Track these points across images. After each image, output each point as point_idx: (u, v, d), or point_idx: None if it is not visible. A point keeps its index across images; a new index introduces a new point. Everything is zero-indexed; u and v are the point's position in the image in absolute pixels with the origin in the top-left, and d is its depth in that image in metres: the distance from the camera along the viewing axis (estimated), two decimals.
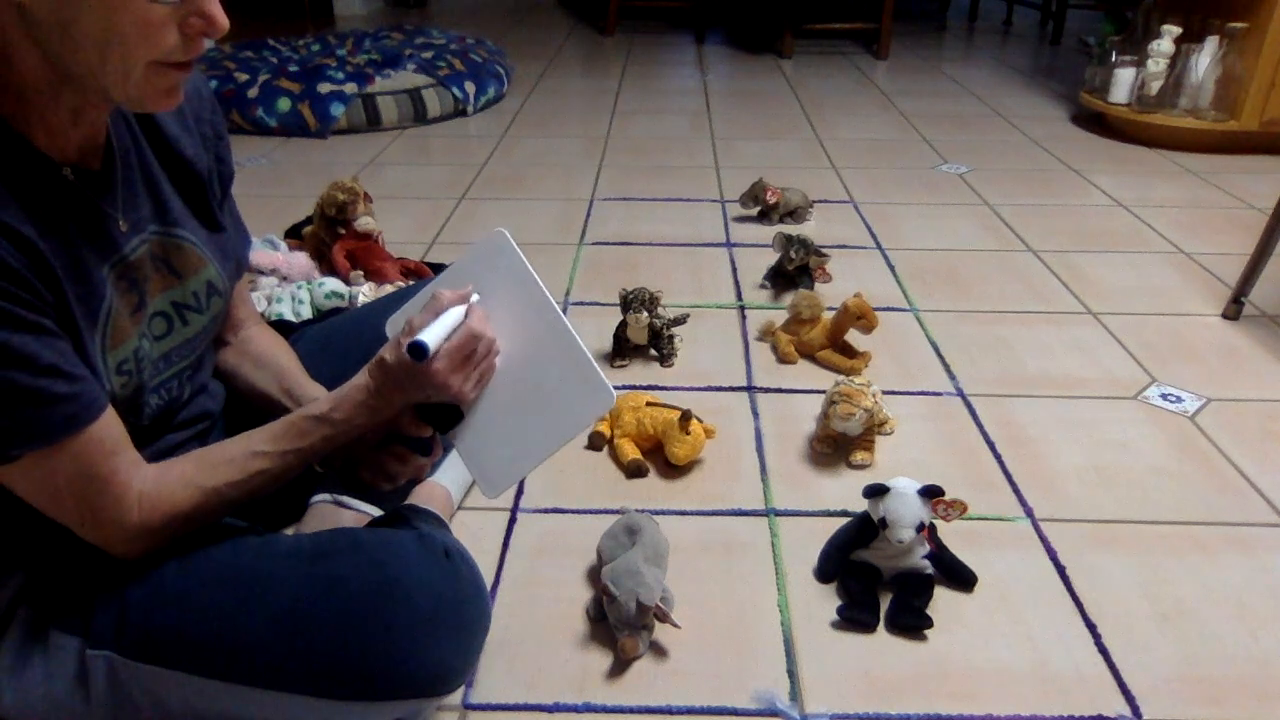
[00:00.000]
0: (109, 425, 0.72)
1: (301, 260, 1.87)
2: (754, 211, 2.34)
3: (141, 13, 0.63)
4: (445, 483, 1.23)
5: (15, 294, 0.64)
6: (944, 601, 1.14)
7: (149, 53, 0.65)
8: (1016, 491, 1.35)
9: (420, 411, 0.86)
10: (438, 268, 1.92)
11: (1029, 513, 1.30)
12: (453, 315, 0.82)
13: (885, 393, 1.50)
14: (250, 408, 1.00)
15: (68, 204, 0.71)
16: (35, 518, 0.73)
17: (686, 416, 1.35)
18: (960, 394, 1.60)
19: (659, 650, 1.06)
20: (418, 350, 0.78)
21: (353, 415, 0.82)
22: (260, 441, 0.80)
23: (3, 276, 0.63)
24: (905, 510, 1.11)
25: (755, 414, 1.53)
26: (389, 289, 1.82)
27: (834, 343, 1.67)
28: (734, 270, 2.07)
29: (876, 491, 1.14)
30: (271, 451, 0.80)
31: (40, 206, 0.68)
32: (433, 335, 0.79)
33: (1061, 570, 1.19)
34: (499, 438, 0.87)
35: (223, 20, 0.67)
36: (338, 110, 2.99)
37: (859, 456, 1.39)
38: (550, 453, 0.88)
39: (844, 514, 1.28)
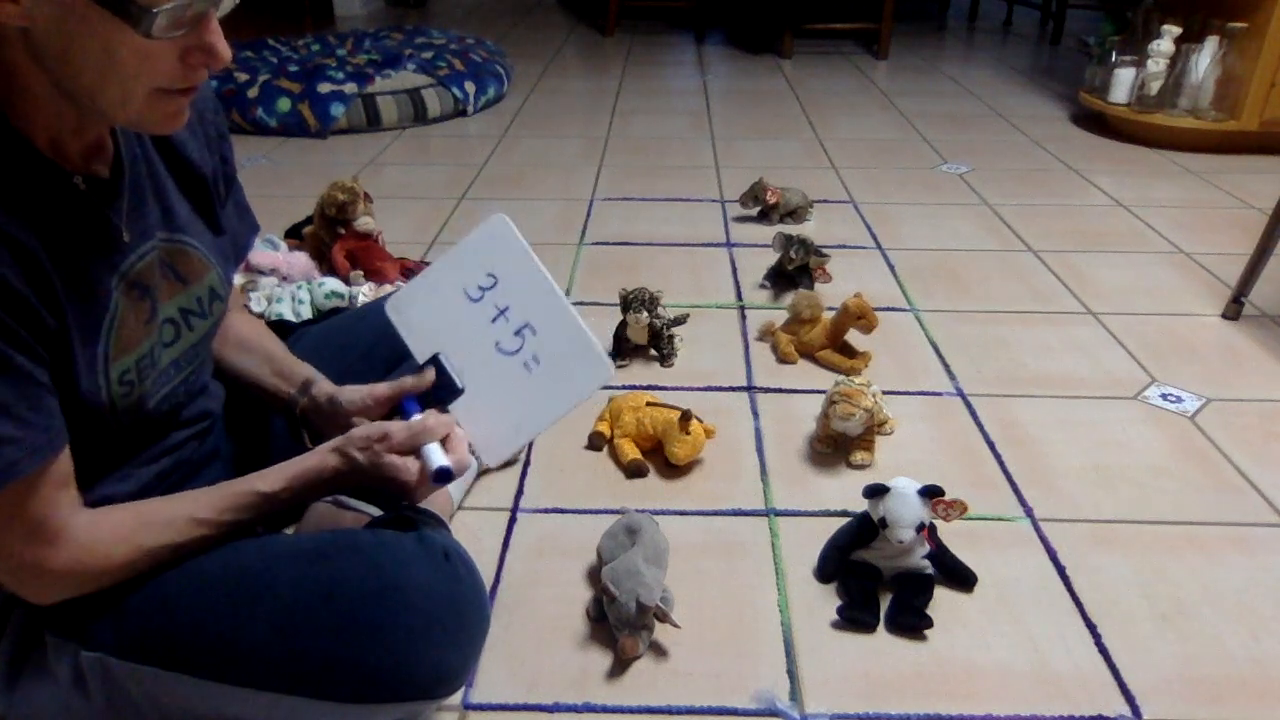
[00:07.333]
0: (55, 469, 0.69)
1: (301, 260, 1.87)
2: (754, 211, 2.34)
3: (140, 45, 0.62)
4: None
5: None
6: (944, 601, 1.14)
7: (148, 81, 0.65)
8: (1016, 491, 1.35)
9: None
10: None
11: (1029, 513, 1.30)
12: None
13: (885, 393, 1.50)
14: (244, 399, 0.99)
15: (77, 214, 0.71)
16: None
17: (686, 416, 1.35)
18: (960, 394, 1.60)
19: (659, 650, 1.06)
20: (445, 475, 0.82)
21: (303, 495, 0.82)
22: (203, 508, 0.79)
23: None
24: (905, 510, 1.11)
25: (755, 414, 1.53)
26: (389, 289, 1.82)
27: (834, 343, 1.67)
28: (734, 270, 2.07)
29: (876, 491, 1.14)
30: (213, 520, 0.78)
31: (48, 216, 0.68)
32: (445, 458, 0.83)
33: (1061, 570, 1.19)
34: (499, 409, 0.89)
35: (225, 53, 0.66)
36: (338, 110, 2.99)
37: (859, 456, 1.39)
38: (549, 424, 0.91)
39: (844, 514, 1.27)
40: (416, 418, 0.86)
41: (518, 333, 0.89)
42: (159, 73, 0.65)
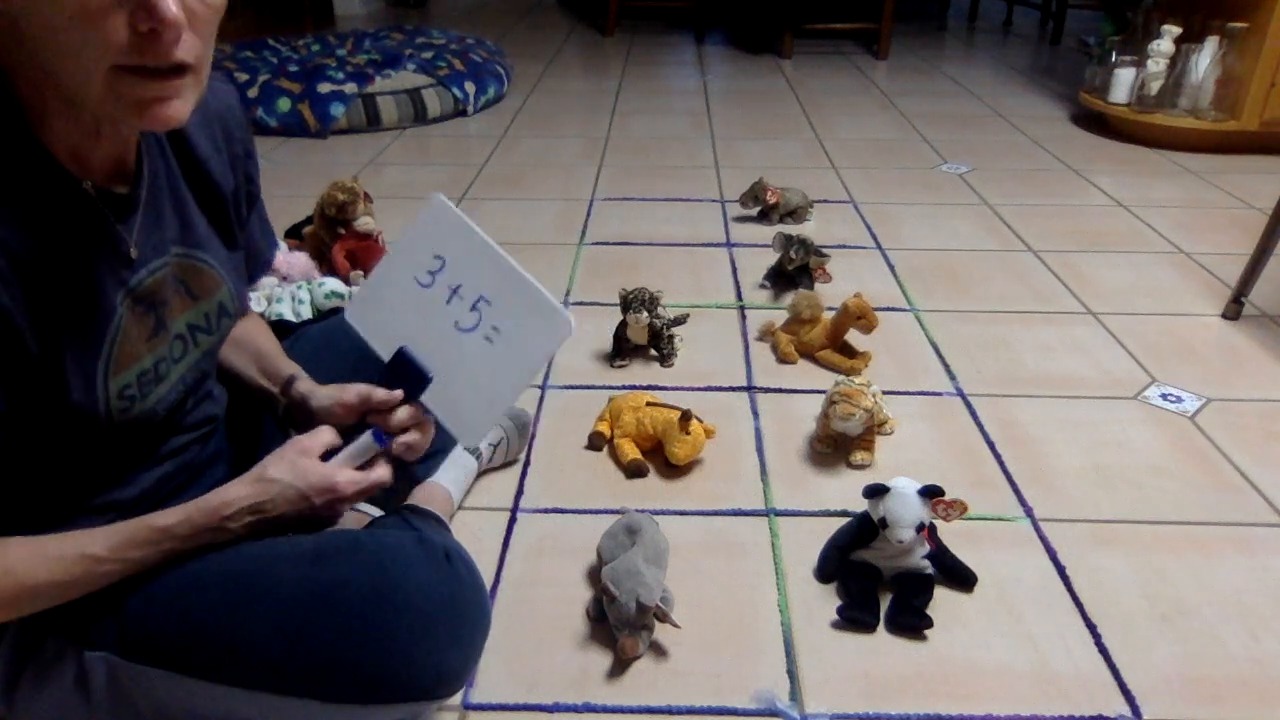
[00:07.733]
0: None
1: (301, 260, 1.87)
2: (754, 211, 2.34)
3: (75, 1, 0.58)
4: (445, 483, 1.23)
5: None
6: (944, 601, 1.14)
7: (101, 54, 0.60)
8: (1016, 491, 1.35)
9: (390, 379, 0.89)
10: None
11: (1029, 513, 1.30)
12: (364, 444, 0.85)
13: (885, 393, 1.50)
14: (240, 400, 0.99)
15: (84, 223, 0.70)
16: (32, 524, 0.73)
17: (686, 416, 1.35)
18: (960, 394, 1.60)
19: (659, 650, 1.06)
20: (381, 436, 0.80)
21: (207, 533, 0.77)
22: (95, 544, 0.74)
23: None
24: (905, 510, 1.11)
25: (755, 414, 1.53)
26: None
27: (834, 343, 1.67)
28: (734, 270, 2.07)
29: (876, 491, 1.14)
30: (103, 557, 0.74)
31: (56, 227, 0.67)
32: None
33: (1061, 570, 1.19)
34: (469, 388, 0.89)
35: (166, 12, 0.59)
36: (338, 110, 2.99)
37: (859, 456, 1.39)
38: (520, 390, 0.90)
39: (844, 514, 1.27)
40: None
41: (474, 307, 0.88)
42: (104, 39, 0.59)
